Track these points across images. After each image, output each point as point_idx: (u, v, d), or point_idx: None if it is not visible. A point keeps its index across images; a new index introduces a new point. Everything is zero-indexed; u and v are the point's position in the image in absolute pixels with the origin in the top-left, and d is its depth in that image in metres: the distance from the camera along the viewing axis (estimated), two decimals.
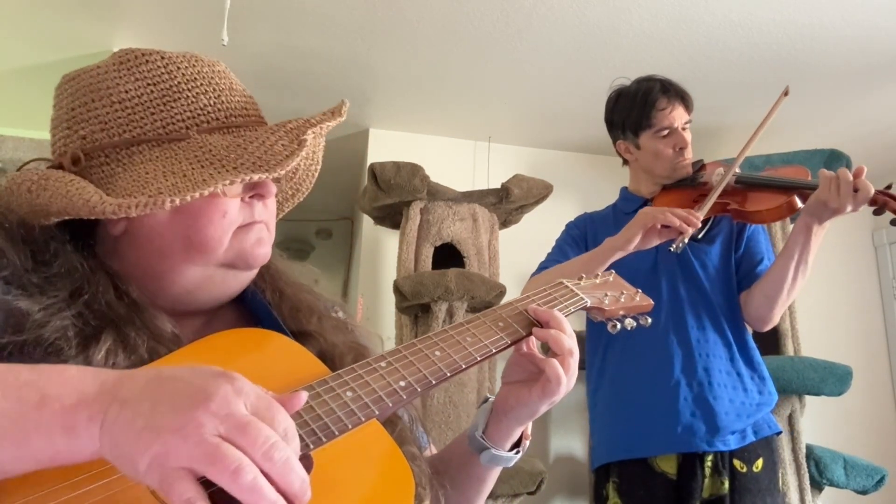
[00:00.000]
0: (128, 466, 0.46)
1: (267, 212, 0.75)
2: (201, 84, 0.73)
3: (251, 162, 0.67)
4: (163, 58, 0.73)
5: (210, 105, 0.73)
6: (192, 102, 0.72)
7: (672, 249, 1.50)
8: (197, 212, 0.69)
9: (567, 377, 0.73)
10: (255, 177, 0.65)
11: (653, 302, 0.92)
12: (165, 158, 0.69)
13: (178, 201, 0.62)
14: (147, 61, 0.73)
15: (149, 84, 0.72)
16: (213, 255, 0.70)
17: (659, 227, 1.49)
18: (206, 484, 0.45)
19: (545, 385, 0.73)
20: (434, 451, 0.87)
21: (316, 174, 0.86)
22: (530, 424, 0.80)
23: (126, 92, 0.71)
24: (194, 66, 0.74)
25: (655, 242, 1.52)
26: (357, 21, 2.39)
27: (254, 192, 0.72)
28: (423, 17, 2.38)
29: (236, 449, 0.45)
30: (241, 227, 0.71)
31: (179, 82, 0.72)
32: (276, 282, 0.81)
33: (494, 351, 0.73)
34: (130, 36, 2.49)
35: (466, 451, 0.79)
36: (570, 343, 0.75)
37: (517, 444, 0.80)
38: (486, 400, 0.80)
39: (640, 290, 0.92)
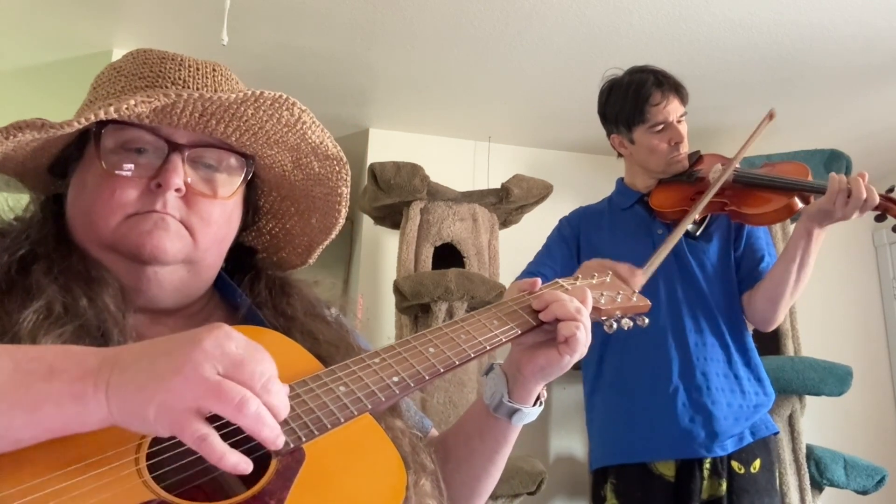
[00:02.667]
0: (137, 420, 0.49)
1: (189, 212, 0.71)
2: (147, 71, 0.74)
3: (84, 108, 0.67)
4: (145, 52, 0.76)
5: (139, 87, 0.73)
6: (130, 84, 0.73)
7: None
8: (91, 188, 0.70)
9: (585, 328, 0.76)
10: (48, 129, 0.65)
11: (650, 303, 0.93)
12: None
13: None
14: (130, 54, 0.76)
15: (113, 70, 0.76)
16: (101, 234, 0.69)
17: None
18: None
19: (571, 343, 0.76)
20: (436, 433, 0.88)
21: (339, 206, 0.83)
22: None
23: (99, 79, 0.77)
24: (161, 58, 0.75)
25: None
26: (357, 21, 2.39)
27: (156, 179, 0.69)
28: (423, 17, 2.37)
29: (236, 384, 0.49)
30: (135, 215, 0.69)
31: (135, 67, 0.74)
32: (280, 306, 0.79)
33: (489, 348, 0.73)
34: (130, 36, 2.49)
35: (491, 419, 0.81)
36: (574, 304, 0.77)
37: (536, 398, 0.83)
38: (492, 368, 0.83)
39: (636, 291, 0.93)
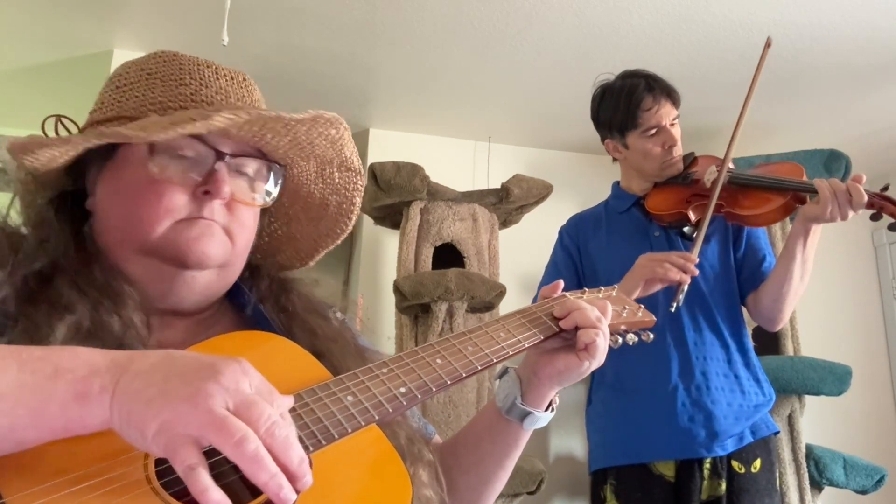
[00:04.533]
0: (136, 433, 0.48)
1: (231, 218, 0.73)
2: (188, 78, 0.74)
3: (167, 121, 0.66)
4: (175, 55, 0.76)
5: (187, 94, 0.73)
6: (172, 90, 0.74)
7: (672, 309, 1.52)
8: (136, 192, 0.70)
9: (605, 336, 0.79)
10: (126, 133, 0.65)
11: (655, 318, 0.94)
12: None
13: (72, 148, 0.65)
14: (157, 55, 0.76)
15: (142, 71, 0.75)
16: (145, 239, 0.69)
17: (659, 278, 1.49)
18: (212, 467, 0.48)
19: (589, 348, 0.78)
20: (439, 441, 0.89)
21: (350, 214, 0.86)
22: None
23: (125, 77, 0.76)
24: (197, 65, 0.76)
25: (657, 289, 1.52)
26: (357, 21, 2.39)
27: (205, 187, 0.71)
28: (423, 17, 2.38)
29: (241, 421, 0.48)
30: (183, 220, 0.70)
31: (171, 72, 0.75)
32: (280, 301, 0.80)
33: (495, 360, 0.74)
34: (130, 36, 2.49)
35: (502, 421, 0.82)
36: (595, 313, 0.79)
37: (548, 404, 0.84)
38: (506, 371, 0.84)
39: (642, 307, 0.94)
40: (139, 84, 0.75)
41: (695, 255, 1.52)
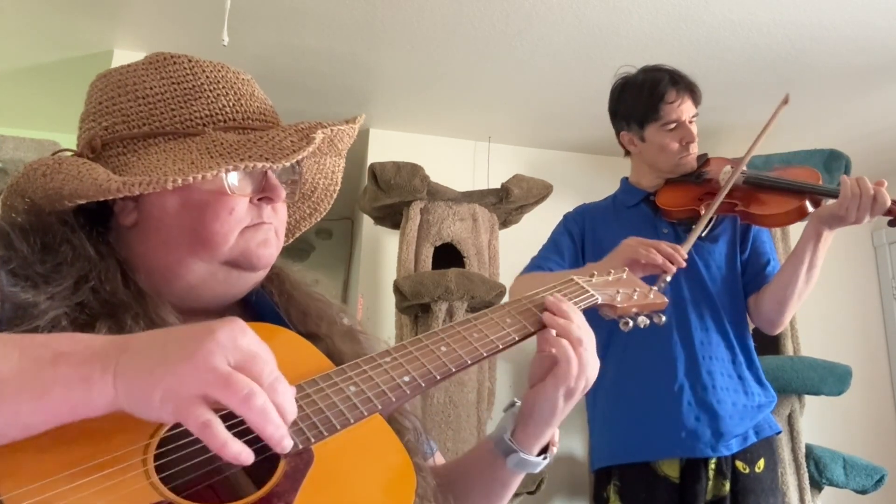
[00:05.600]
0: (143, 405, 0.49)
1: (276, 218, 0.76)
2: (223, 87, 0.76)
3: (258, 154, 0.69)
4: (189, 61, 0.76)
5: (229, 107, 0.75)
6: (212, 102, 0.74)
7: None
8: (204, 206, 0.70)
9: (579, 361, 0.73)
10: (260, 165, 0.67)
11: (667, 300, 0.91)
12: (178, 150, 0.71)
13: (179, 181, 0.64)
14: (174, 62, 0.76)
15: (172, 83, 0.75)
16: (217, 251, 0.71)
17: (643, 261, 1.42)
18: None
19: (557, 369, 0.73)
20: (440, 459, 0.86)
21: (334, 195, 0.89)
22: (557, 431, 0.80)
23: (150, 88, 0.74)
24: (219, 70, 0.77)
25: (639, 275, 1.41)
26: (357, 21, 2.39)
27: (263, 194, 0.74)
28: (423, 18, 2.38)
29: (246, 377, 0.49)
30: (248, 227, 0.73)
31: (203, 83, 0.75)
32: (284, 285, 0.82)
33: (501, 347, 0.72)
34: (130, 36, 2.49)
35: (491, 454, 0.78)
36: (579, 332, 0.74)
37: (544, 450, 0.79)
38: (513, 404, 0.80)
39: (654, 288, 0.91)
40: (169, 95, 0.74)
41: (685, 249, 1.48)
